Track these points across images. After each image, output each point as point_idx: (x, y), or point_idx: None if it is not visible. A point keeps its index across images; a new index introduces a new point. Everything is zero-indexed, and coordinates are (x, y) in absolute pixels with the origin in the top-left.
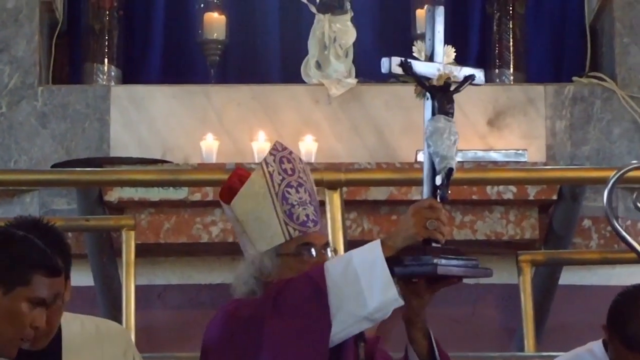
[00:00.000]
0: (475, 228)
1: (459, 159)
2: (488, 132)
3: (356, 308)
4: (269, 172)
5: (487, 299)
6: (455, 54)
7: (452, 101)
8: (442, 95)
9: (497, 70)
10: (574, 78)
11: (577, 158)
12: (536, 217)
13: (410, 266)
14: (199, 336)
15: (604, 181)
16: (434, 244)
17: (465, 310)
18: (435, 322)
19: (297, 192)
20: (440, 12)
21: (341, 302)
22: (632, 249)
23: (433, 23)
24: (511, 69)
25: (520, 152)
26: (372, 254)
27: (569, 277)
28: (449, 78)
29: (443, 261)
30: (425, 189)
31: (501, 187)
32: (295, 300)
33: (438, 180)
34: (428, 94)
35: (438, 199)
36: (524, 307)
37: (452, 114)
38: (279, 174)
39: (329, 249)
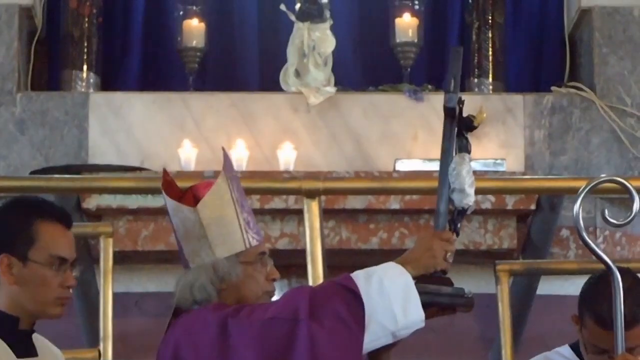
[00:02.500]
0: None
1: (436, 167)
2: None
3: (387, 321)
4: (228, 177)
5: None
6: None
7: (465, 136)
8: (468, 134)
9: (476, 80)
10: (553, 88)
11: (555, 168)
12: (514, 227)
13: (431, 295)
14: None
15: None
16: (441, 275)
17: (443, 319)
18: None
19: (246, 200)
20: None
21: (374, 314)
22: (601, 260)
23: (457, 62)
24: (490, 79)
25: (498, 161)
26: (402, 275)
27: (546, 287)
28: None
29: (451, 291)
30: (440, 221)
31: (479, 197)
32: (333, 305)
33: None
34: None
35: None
36: (502, 316)
37: (470, 152)
38: (233, 181)
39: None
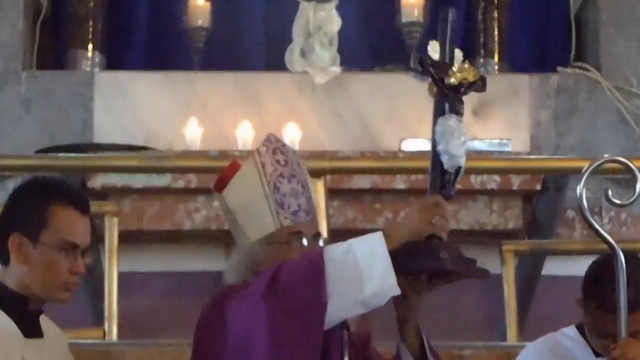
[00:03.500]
0: (459, 217)
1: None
2: (472, 122)
3: (353, 291)
4: (261, 162)
5: (470, 288)
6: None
7: (462, 102)
8: (455, 96)
9: (481, 60)
10: (559, 68)
11: (561, 148)
12: (520, 207)
13: (419, 260)
14: (182, 323)
15: None
16: (436, 241)
17: (448, 299)
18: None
19: (290, 182)
20: (452, 14)
21: (339, 285)
22: (605, 241)
23: (445, 25)
24: (496, 59)
25: (504, 141)
26: (374, 242)
27: (552, 267)
28: (465, 79)
29: (449, 257)
30: (431, 187)
31: (485, 177)
32: (291, 279)
33: (446, 177)
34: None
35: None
36: (507, 296)
37: (463, 114)
38: (272, 164)
39: (320, 240)
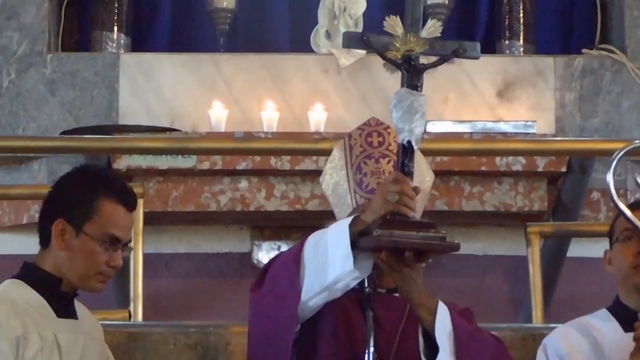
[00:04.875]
0: (484, 199)
1: (467, 129)
2: (497, 104)
3: (318, 279)
4: (350, 144)
5: (495, 270)
6: (441, 27)
7: (418, 74)
8: (407, 69)
9: (506, 42)
10: (584, 50)
11: (586, 130)
12: (545, 189)
13: (365, 240)
14: (207, 304)
15: (612, 153)
16: (388, 217)
17: (473, 281)
18: (442, 293)
19: (377, 162)
20: None
21: (309, 272)
22: (632, 224)
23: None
24: (521, 41)
25: (529, 123)
26: (342, 227)
27: (577, 249)
28: (409, 50)
29: (396, 233)
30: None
31: (510, 159)
32: (275, 269)
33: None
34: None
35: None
36: (532, 278)
37: (418, 87)
38: (360, 146)
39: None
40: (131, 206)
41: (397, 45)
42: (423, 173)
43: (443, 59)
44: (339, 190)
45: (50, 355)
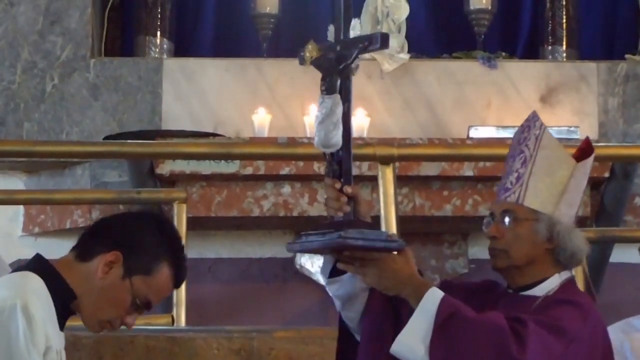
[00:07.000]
0: None
1: (510, 134)
2: (540, 109)
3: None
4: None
5: None
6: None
7: (327, 80)
8: (323, 74)
9: (549, 47)
10: (627, 55)
11: (629, 136)
12: (588, 195)
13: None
14: (249, 309)
15: None
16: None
17: None
18: None
19: (513, 161)
20: None
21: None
22: None
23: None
24: (564, 46)
25: (572, 129)
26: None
27: (620, 254)
28: (310, 57)
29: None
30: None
31: None
32: None
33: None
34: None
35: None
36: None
37: (325, 90)
38: (512, 145)
39: (506, 218)
40: (178, 286)
41: (305, 52)
42: None
43: (354, 57)
44: None
45: None
